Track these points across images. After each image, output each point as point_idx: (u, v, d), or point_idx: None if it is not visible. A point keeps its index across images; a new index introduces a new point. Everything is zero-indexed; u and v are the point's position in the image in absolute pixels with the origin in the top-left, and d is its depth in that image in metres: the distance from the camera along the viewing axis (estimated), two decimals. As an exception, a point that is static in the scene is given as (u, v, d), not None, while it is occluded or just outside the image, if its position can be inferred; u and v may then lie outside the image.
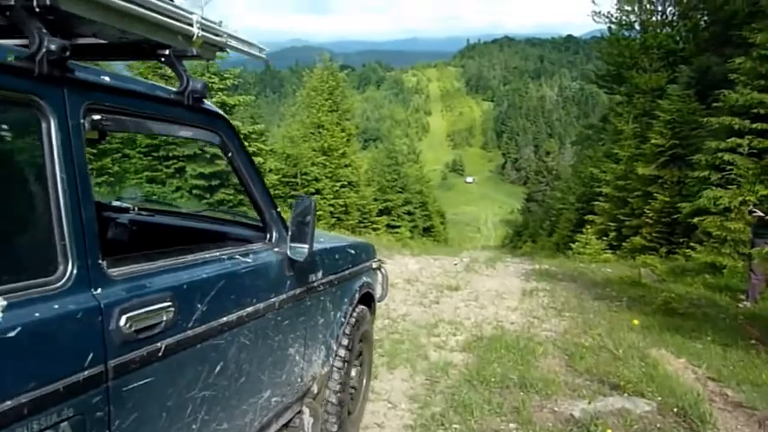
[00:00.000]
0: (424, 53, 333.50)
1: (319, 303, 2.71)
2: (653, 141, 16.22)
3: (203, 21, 1.85)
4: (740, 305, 8.32)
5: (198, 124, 2.02)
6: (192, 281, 1.80)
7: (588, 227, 18.58)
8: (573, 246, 18.84)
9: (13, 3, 1.29)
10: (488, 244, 57.04)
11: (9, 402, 1.15)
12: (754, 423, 3.66)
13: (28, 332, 1.21)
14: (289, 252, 2.33)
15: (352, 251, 3.21)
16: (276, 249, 2.37)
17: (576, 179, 29.56)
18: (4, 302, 1.19)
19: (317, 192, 20.30)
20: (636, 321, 6.02)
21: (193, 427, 1.79)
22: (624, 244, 16.52)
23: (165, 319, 1.63)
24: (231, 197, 16.03)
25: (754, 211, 8.27)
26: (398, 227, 28.60)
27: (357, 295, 3.19)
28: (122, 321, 1.48)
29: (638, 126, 20.52)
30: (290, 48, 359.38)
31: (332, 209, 21.21)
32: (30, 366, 1.23)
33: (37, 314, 1.25)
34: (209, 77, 15.87)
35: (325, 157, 22.51)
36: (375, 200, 27.67)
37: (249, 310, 2.07)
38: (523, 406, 3.79)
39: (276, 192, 18.95)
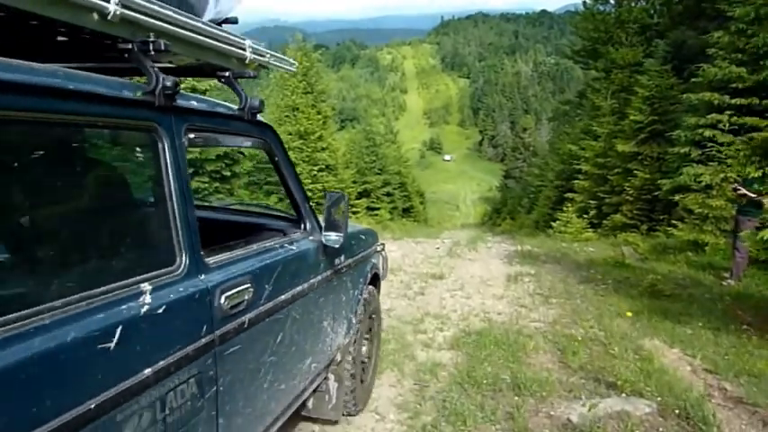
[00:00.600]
0: (398, 30, 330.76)
1: (342, 283, 3.16)
2: (632, 118, 16.10)
3: (253, 45, 2.27)
4: (724, 283, 8.26)
5: (254, 135, 2.41)
6: (262, 266, 2.20)
7: (569, 205, 18.50)
8: (553, 224, 18.77)
9: (131, 47, 1.64)
10: (468, 222, 57.12)
11: (162, 362, 1.53)
12: (758, 421, 3.51)
13: (167, 308, 1.58)
14: (323, 240, 2.75)
15: (363, 237, 3.69)
16: (311, 238, 2.77)
17: (554, 156, 29.50)
18: (150, 287, 1.56)
19: (295, 177, 19.84)
20: (629, 313, 5.87)
21: (264, 386, 2.21)
22: (605, 222, 16.47)
23: (246, 298, 2.02)
24: (206, 185, 15.59)
25: (738, 189, 8.17)
26: (378, 209, 28.32)
27: (369, 276, 3.67)
28: (222, 300, 1.86)
29: (616, 102, 20.41)
30: (261, 28, 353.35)
31: (310, 194, 20.81)
32: (172, 334, 1.62)
33: (171, 295, 1.63)
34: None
35: (301, 141, 21.99)
36: (354, 182, 27.28)
37: (298, 289, 2.48)
38: (518, 411, 3.61)
39: (252, 179, 18.53)
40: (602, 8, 29.02)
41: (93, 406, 1.31)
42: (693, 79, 13.52)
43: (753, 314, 6.32)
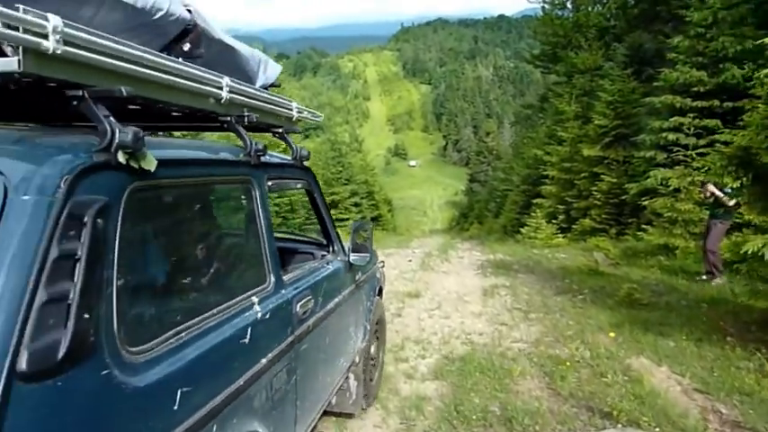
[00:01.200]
0: (358, 38, 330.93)
1: (361, 295, 3.75)
2: (596, 122, 16.25)
3: (298, 106, 2.88)
4: (713, 283, 8.27)
5: (303, 178, 3.00)
6: (315, 282, 2.74)
7: (537, 210, 18.56)
8: (522, 230, 18.81)
9: (230, 119, 2.17)
10: (436, 227, 57.22)
11: (270, 354, 2.08)
12: (759, 449, 3.40)
13: (269, 315, 2.12)
14: (350, 259, 3.37)
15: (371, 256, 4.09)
16: (339, 258, 3.34)
17: (519, 161, 29.73)
18: (257, 299, 2.09)
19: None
20: (612, 334, 5.75)
21: (319, 377, 2.78)
22: (574, 226, 16.56)
23: (309, 306, 2.56)
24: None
25: (706, 183, 8.10)
26: (346, 219, 28.05)
27: (377, 288, 4.29)
28: (298, 308, 2.42)
29: (579, 107, 20.63)
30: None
31: (277, 208, 20.44)
32: (273, 334, 2.17)
33: (269, 305, 2.15)
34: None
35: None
36: (321, 194, 26.98)
37: (336, 300, 3.05)
38: (512, 450, 3.42)
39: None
40: (560, 13, 29.49)
41: (242, 382, 1.86)
42: (655, 83, 13.68)
43: (732, 322, 6.29)
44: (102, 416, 1.30)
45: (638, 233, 12.95)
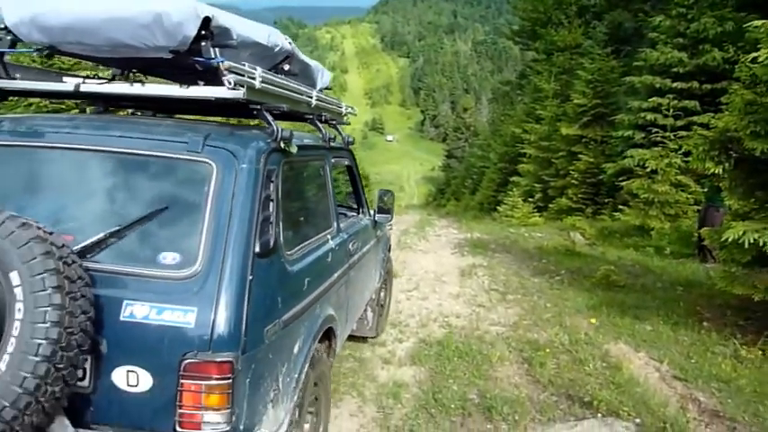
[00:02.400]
0: (337, 8, 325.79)
1: (379, 245, 4.85)
2: (575, 101, 16.20)
3: (345, 105, 3.96)
4: (708, 265, 8.37)
5: (348, 158, 4.14)
6: (356, 231, 3.87)
7: (514, 188, 18.55)
8: (499, 208, 18.80)
9: (312, 117, 3.21)
10: (412, 203, 57.24)
11: (339, 271, 3.27)
12: (738, 439, 3.38)
13: (337, 247, 3.24)
14: (376, 218, 4.49)
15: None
16: (367, 217, 4.44)
17: (497, 138, 29.67)
18: (329, 237, 3.17)
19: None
20: (593, 320, 5.72)
21: (357, 296, 3.88)
22: (551, 205, 16.60)
23: (353, 246, 3.67)
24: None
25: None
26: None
27: (388, 244, 5.62)
28: (350, 246, 3.58)
29: (558, 85, 20.56)
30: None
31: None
32: (339, 260, 3.29)
33: (337, 241, 3.29)
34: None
35: (241, 127, 21.21)
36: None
37: (366, 247, 4.16)
38: (491, 440, 3.35)
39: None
40: (541, -11, 29.20)
41: (326, 285, 2.96)
42: (635, 63, 13.65)
43: (707, 306, 6.32)
44: (280, 277, 2.43)
45: (615, 213, 13.03)
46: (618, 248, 10.78)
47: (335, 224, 3.34)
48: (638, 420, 3.53)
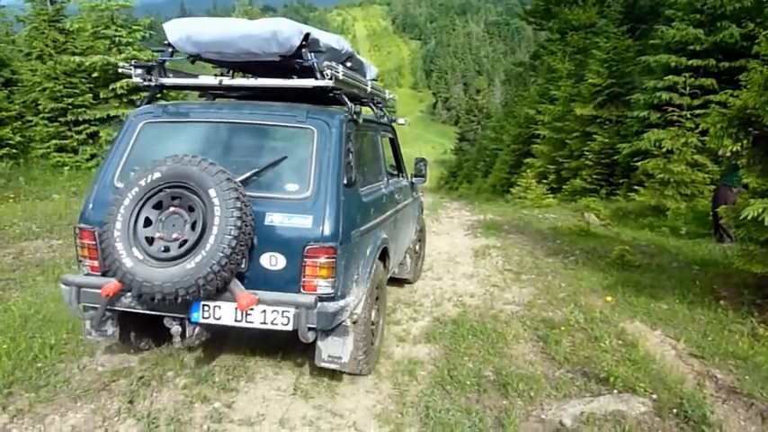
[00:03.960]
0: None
1: (416, 204, 6.28)
2: (589, 80, 15.97)
3: (389, 92, 5.59)
4: (725, 245, 8.30)
5: (391, 131, 5.49)
6: (399, 186, 5.21)
7: (528, 170, 18.39)
8: (512, 190, 18.67)
9: (367, 101, 4.81)
10: (424, 186, 56.91)
11: (390, 211, 4.60)
12: (756, 416, 3.36)
13: (389, 194, 4.69)
14: (413, 180, 5.84)
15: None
16: (405, 181, 5.70)
17: (510, 119, 29.38)
18: (383, 185, 4.61)
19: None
20: (609, 298, 5.70)
21: (401, 237, 5.16)
22: (564, 187, 16.45)
23: (397, 197, 5.00)
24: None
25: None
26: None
27: (422, 206, 7.00)
28: (396, 195, 4.93)
29: (572, 65, 20.28)
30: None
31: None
32: (390, 203, 4.68)
33: (389, 188, 4.75)
34: (116, 30, 14.28)
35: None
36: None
37: (407, 201, 5.45)
38: (507, 416, 3.37)
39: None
40: (554, -33, 28.67)
41: (383, 217, 4.27)
42: (651, 41, 13.43)
43: (724, 285, 6.27)
44: (358, 202, 3.68)
45: (629, 194, 12.89)
46: (633, 229, 10.70)
47: (386, 178, 4.76)
48: (654, 396, 3.52)
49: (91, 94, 14.64)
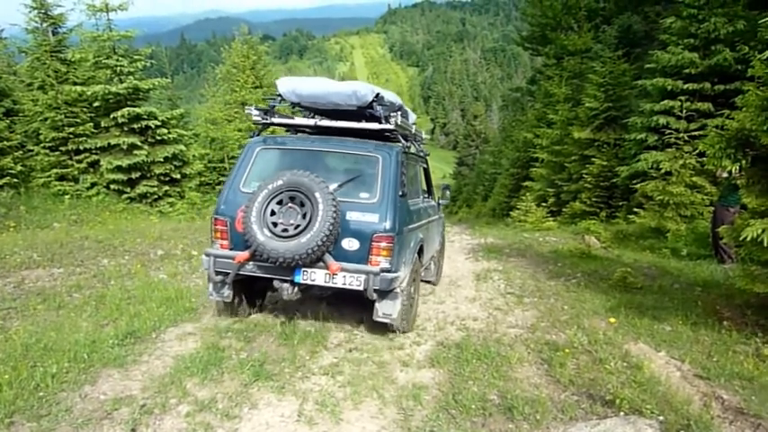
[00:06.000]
0: (345, 20, 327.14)
1: (440, 221, 7.85)
2: (587, 104, 16.11)
3: (423, 132, 7.21)
4: (726, 266, 8.29)
5: (425, 162, 7.06)
6: (429, 205, 6.82)
7: (527, 194, 18.47)
8: (512, 213, 18.73)
9: (410, 138, 6.16)
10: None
11: (425, 220, 6.20)
12: (764, 437, 3.34)
13: (423, 208, 6.27)
14: (440, 201, 7.52)
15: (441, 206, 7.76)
16: (432, 201, 7.18)
17: (509, 144, 29.59)
18: (433, 203, 7.26)
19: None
20: (613, 320, 5.68)
21: (430, 244, 6.57)
22: (564, 210, 16.49)
23: (428, 212, 6.54)
24: (155, 188, 14.83)
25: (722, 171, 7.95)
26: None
27: (444, 224, 8.48)
28: (428, 210, 6.57)
29: (569, 89, 20.49)
30: (206, 20, 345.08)
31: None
32: (425, 214, 6.30)
33: (423, 204, 6.38)
34: (117, 60, 14.44)
35: (252, 138, 21.27)
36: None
37: (435, 217, 7.08)
38: (514, 440, 3.33)
39: (203, 179, 17.78)
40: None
41: (420, 223, 5.84)
42: (646, 65, 13.58)
43: (726, 306, 6.26)
44: (407, 209, 5.28)
45: (629, 216, 12.92)
46: (634, 251, 10.70)
47: (422, 197, 6.40)
48: (661, 418, 3.50)
49: (92, 123, 14.73)
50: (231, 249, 4.94)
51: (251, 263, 4.81)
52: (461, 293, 7.18)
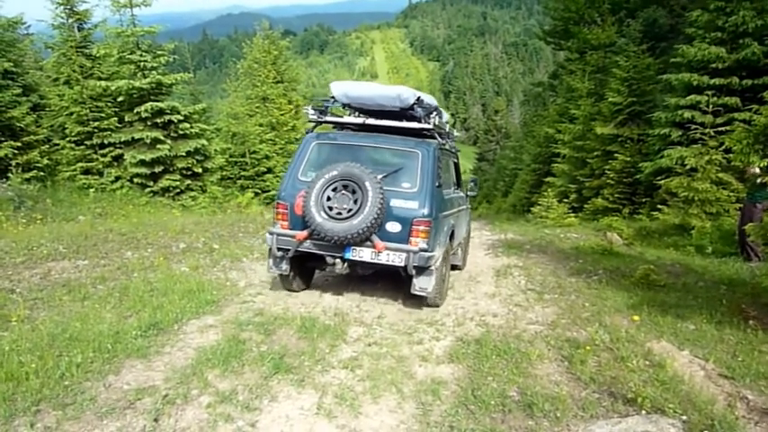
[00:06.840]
0: (365, 14, 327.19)
1: (468, 211, 8.80)
2: (610, 99, 15.88)
3: (455, 130, 8.38)
4: (752, 264, 8.16)
5: (456, 156, 7.85)
6: (460, 195, 7.73)
7: (548, 189, 18.28)
8: (533, 209, 18.56)
9: (444, 135, 6.85)
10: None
11: (456, 209, 7.14)
12: (791, 438, 3.27)
13: (455, 198, 7.19)
14: (468, 193, 8.18)
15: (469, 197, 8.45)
16: (461, 192, 7.96)
17: (530, 139, 29.31)
18: (462, 193, 8.06)
19: (269, 170, 19.23)
20: (636, 318, 5.62)
21: (459, 229, 7.38)
22: (586, 206, 16.29)
23: (459, 202, 7.44)
24: (177, 182, 14.99)
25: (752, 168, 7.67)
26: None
27: (470, 214, 9.53)
28: (459, 201, 7.48)
29: (592, 84, 20.22)
30: (227, 15, 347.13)
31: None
32: (457, 204, 7.33)
33: (456, 195, 7.32)
34: (141, 55, 14.60)
35: (274, 133, 21.38)
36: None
37: (464, 207, 8.15)
38: (533, 437, 3.31)
39: (225, 173, 17.93)
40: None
41: (453, 211, 6.76)
42: (672, 59, 13.35)
43: (752, 305, 6.15)
44: (442, 197, 6.11)
45: (653, 213, 12.73)
46: (657, 248, 10.56)
47: (453, 188, 7.16)
48: (684, 417, 3.45)
49: (116, 118, 14.93)
50: (290, 229, 5.77)
51: (308, 241, 5.63)
52: (481, 289, 7.14)
